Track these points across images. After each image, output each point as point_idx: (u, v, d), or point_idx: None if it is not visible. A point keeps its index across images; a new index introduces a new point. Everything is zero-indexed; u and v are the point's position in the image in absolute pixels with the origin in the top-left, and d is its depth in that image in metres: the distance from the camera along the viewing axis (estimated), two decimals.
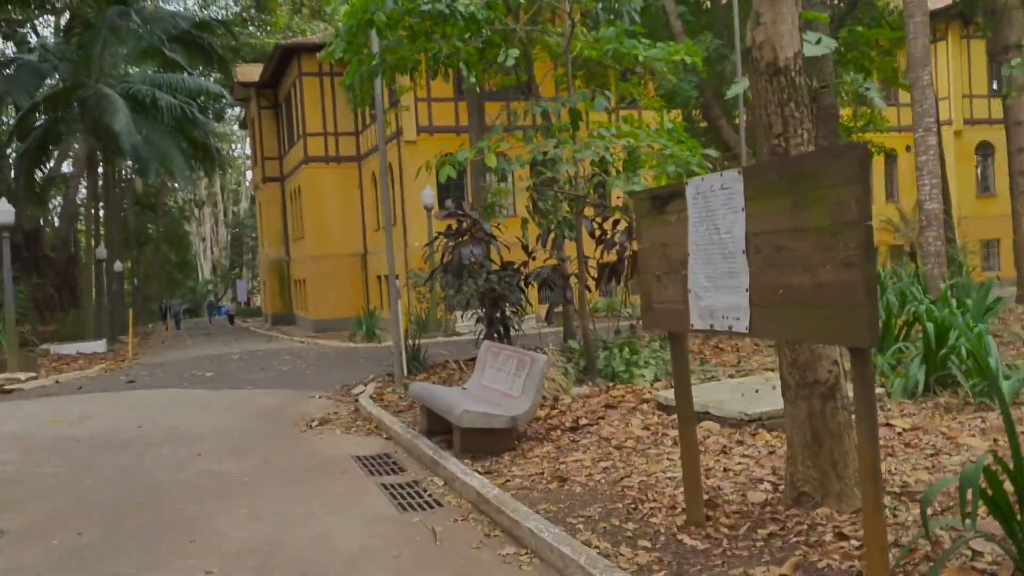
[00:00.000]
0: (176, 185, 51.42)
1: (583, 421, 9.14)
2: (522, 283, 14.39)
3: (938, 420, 8.02)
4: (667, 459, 7.42)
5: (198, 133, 30.35)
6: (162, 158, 28.43)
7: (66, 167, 44.85)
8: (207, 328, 46.01)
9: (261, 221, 47.40)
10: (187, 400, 14.18)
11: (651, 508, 6.11)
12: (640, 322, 14.45)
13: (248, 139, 52.52)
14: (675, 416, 9.28)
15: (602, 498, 6.49)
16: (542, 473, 7.37)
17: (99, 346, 28.74)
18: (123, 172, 47.81)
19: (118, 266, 39.64)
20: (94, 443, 10.79)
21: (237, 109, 56.45)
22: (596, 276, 13.35)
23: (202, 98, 30.97)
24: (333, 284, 37.57)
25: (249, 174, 69.06)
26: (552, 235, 12.96)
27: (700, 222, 5.22)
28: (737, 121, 26.64)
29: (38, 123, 30.50)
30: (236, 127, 59.75)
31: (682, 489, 6.50)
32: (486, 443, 8.34)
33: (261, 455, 9.65)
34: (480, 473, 7.55)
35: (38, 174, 32.25)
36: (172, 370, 19.84)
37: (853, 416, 5.03)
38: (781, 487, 6.28)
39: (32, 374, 19.80)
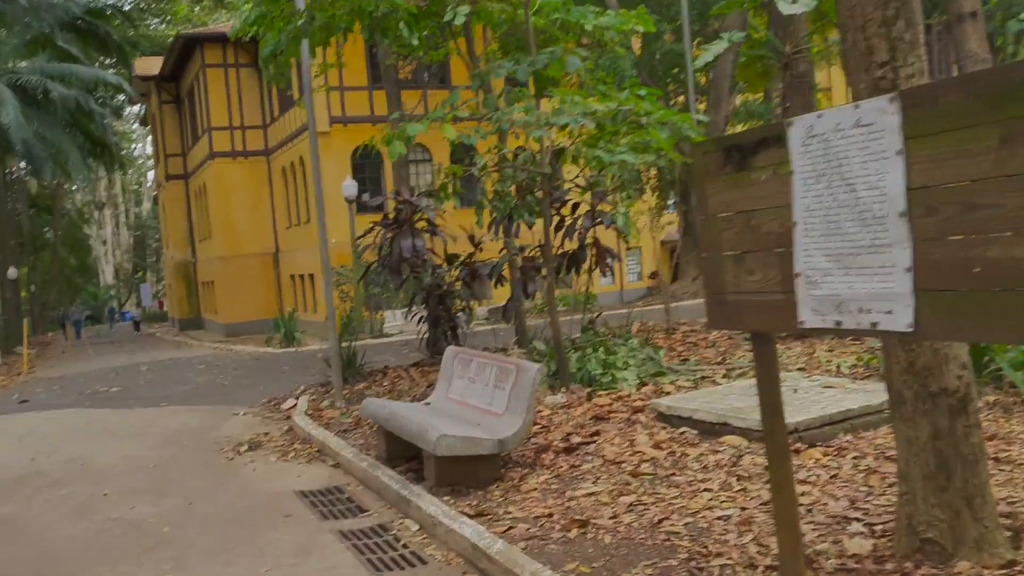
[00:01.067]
0: (74, 185, 48.00)
1: (575, 439, 7.52)
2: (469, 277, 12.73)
3: None
4: (705, 490, 5.85)
5: (95, 127, 27.69)
6: (57, 155, 25.71)
7: None
8: (110, 336, 42.91)
9: (165, 221, 44.50)
10: (90, 423, 12.05)
11: (721, 566, 4.53)
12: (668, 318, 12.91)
13: (149, 136, 49.39)
14: (686, 430, 7.79)
15: (646, 551, 4.88)
16: (550, 514, 5.71)
17: None
18: (14, 172, 44.32)
19: (12, 273, 36.38)
20: None
21: (136, 107, 53.18)
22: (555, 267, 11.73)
23: (99, 91, 28.21)
24: (244, 286, 35.22)
25: (151, 174, 65.44)
26: (509, 222, 11.30)
27: (815, 177, 3.61)
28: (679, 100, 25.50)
29: None
30: (136, 125, 56.31)
31: (748, 534, 4.95)
32: (467, 473, 6.65)
33: (183, 494, 7.76)
34: (470, 516, 5.86)
35: None
36: (72, 386, 17.51)
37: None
38: (879, 528, 4.77)
39: None
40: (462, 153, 32.66)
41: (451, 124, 9.14)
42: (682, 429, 7.50)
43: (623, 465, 6.66)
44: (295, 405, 11.84)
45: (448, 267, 12.96)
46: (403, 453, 7.71)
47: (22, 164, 42.44)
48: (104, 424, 11.86)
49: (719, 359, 10.99)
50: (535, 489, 6.35)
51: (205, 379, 16.30)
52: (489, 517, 5.84)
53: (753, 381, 8.84)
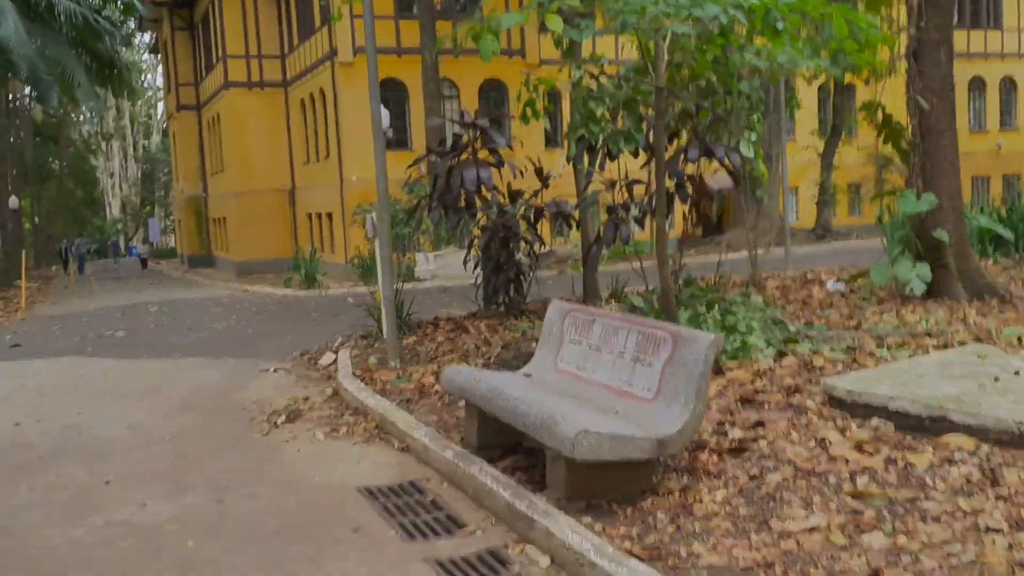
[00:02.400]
0: (82, 110, 45.72)
1: (735, 432, 5.57)
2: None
3: None
4: (989, 529, 3.91)
5: (104, 47, 25.35)
6: (62, 75, 23.46)
7: None
8: (115, 271, 40.93)
9: (175, 154, 42.34)
10: (91, 378, 10.07)
11: None
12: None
13: (159, 67, 46.96)
14: (880, 424, 5.86)
15: None
16: (769, 564, 3.78)
17: None
18: (18, 99, 42.05)
19: (13, 202, 34.40)
20: None
21: (146, 36, 50.62)
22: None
23: (108, 10, 25.87)
24: (257, 223, 33.21)
25: (160, 106, 62.95)
26: (593, 153, 9.25)
27: None
28: None
29: None
30: (146, 55, 53.79)
31: None
32: (610, 483, 4.73)
33: (209, 484, 5.85)
34: (639, 558, 3.93)
35: None
36: (73, 327, 15.57)
37: None
38: None
39: None
40: (496, 94, 30.55)
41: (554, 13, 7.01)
42: (874, 422, 5.55)
43: (827, 477, 4.72)
44: (335, 361, 9.91)
45: (512, 205, 10.94)
46: (498, 440, 5.80)
47: (27, 90, 40.23)
48: (108, 379, 9.91)
49: (850, 321, 9.01)
50: (717, 513, 4.41)
51: (223, 325, 14.33)
52: (671, 562, 3.91)
53: (945, 356, 6.91)
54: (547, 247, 11.93)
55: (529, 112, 8.26)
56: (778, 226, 23.68)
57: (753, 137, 8.10)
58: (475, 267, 11.26)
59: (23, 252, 24.25)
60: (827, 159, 28.35)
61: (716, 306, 8.22)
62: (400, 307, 11.11)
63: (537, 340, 8.18)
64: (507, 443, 5.79)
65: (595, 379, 5.55)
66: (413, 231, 19.91)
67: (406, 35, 28.10)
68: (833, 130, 28.59)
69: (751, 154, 8.11)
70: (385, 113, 20.72)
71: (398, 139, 28.69)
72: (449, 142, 11.52)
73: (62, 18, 22.77)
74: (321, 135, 30.26)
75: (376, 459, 6.30)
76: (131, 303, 19.95)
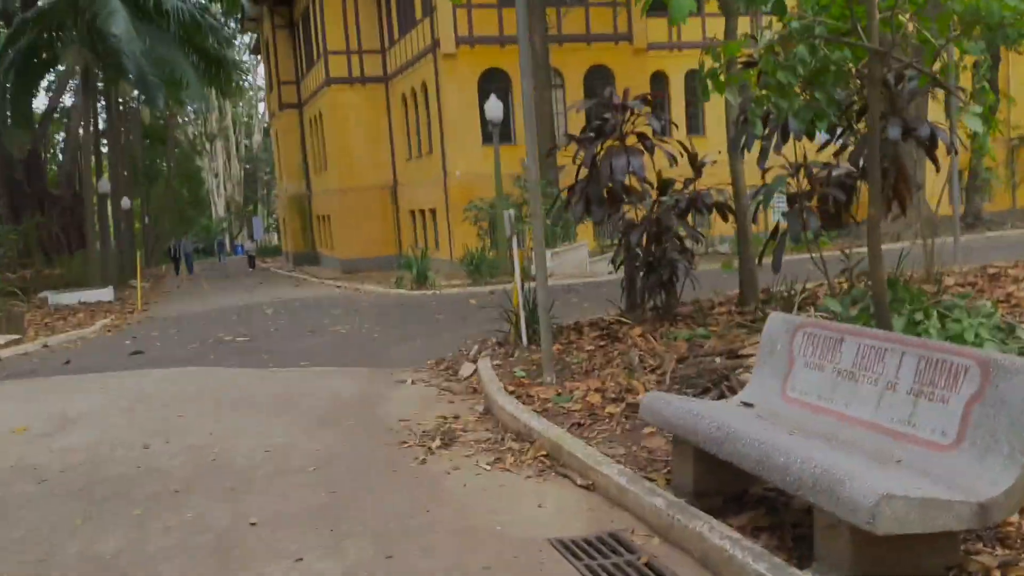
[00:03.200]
0: (187, 114, 46.13)
1: None
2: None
3: None
4: None
5: (211, 44, 25.03)
6: (170, 74, 23.17)
7: (69, 100, 39.68)
8: (223, 269, 41.09)
9: (278, 152, 42.33)
10: (218, 389, 9.29)
11: None
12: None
13: (262, 64, 47.05)
14: None
15: None
16: None
17: (105, 294, 23.92)
18: (128, 102, 42.58)
19: (126, 203, 34.68)
20: (66, 488, 6.02)
21: (247, 37, 50.89)
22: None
23: (215, 5, 25.51)
24: (361, 220, 32.74)
25: (262, 106, 63.49)
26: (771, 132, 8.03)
27: None
28: None
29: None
30: (247, 56, 54.12)
31: None
32: (909, 559, 3.57)
33: (370, 533, 4.88)
34: None
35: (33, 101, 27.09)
36: (191, 329, 15.02)
37: None
38: None
39: (15, 336, 15.04)
40: (602, 81, 29.21)
41: None
42: None
43: None
44: (475, 372, 8.94)
45: (662, 196, 9.78)
46: (717, 486, 4.70)
47: (135, 93, 40.65)
48: (237, 390, 9.12)
49: None
50: None
51: (346, 328, 13.51)
52: None
53: None
54: (702, 243, 10.73)
55: (711, 85, 7.07)
56: (926, 216, 21.83)
57: (976, 110, 6.76)
58: (620, 265, 10.12)
59: (137, 253, 24.04)
60: (977, 140, 26.06)
61: (933, 311, 6.93)
62: (534, 310, 10.07)
63: (718, 354, 7.05)
64: (729, 489, 4.68)
65: (852, 415, 4.38)
66: (553, 225, 18.84)
67: (509, 23, 27.09)
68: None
69: (980, 128, 6.78)
70: (498, 104, 19.76)
71: (503, 133, 27.68)
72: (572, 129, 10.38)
73: (170, 16, 22.44)
74: (423, 130, 29.54)
75: (559, 499, 5.26)
76: (245, 303, 19.44)
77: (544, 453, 6.09)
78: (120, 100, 41.07)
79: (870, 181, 6.53)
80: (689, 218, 9.86)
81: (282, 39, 38.41)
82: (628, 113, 9.34)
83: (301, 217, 39.25)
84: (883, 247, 6.19)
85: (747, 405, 5.05)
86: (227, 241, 58.26)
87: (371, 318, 14.54)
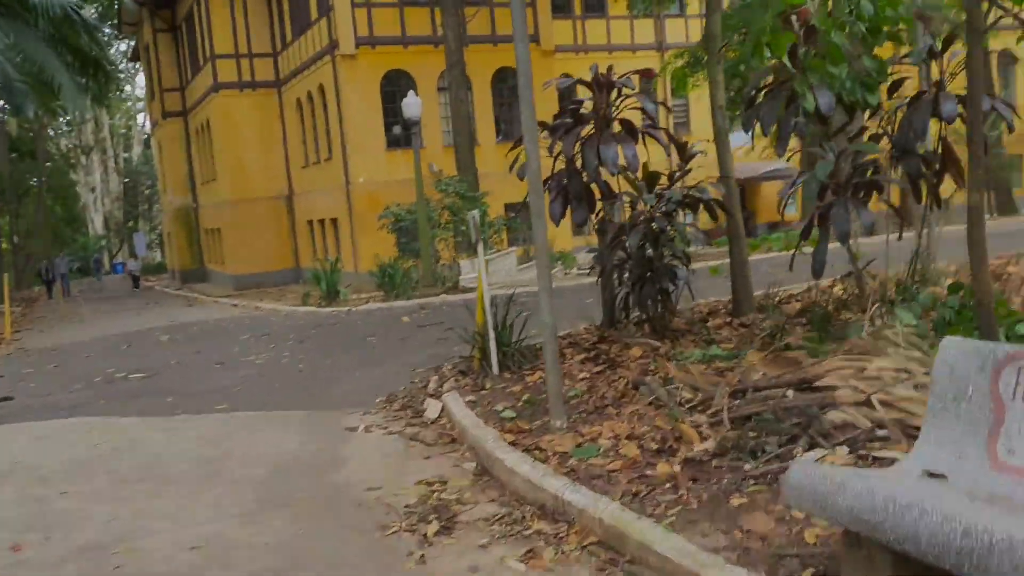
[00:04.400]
0: (60, 122, 42.14)
1: None
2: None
3: None
4: None
5: (86, 43, 22.15)
6: (40, 76, 20.25)
7: None
8: (104, 290, 37.57)
9: (162, 164, 39.07)
10: (114, 450, 7.06)
11: None
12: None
13: (140, 73, 43.60)
14: None
15: None
16: None
17: None
18: None
19: None
20: None
21: (123, 45, 47.28)
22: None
23: (90, 7, 22.61)
24: (254, 232, 30.20)
25: (141, 117, 59.35)
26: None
27: None
28: None
29: None
30: (123, 64, 50.20)
31: None
32: None
33: None
34: None
35: None
36: (72, 364, 12.54)
37: None
38: None
39: None
40: (512, 84, 27.56)
41: None
42: None
43: None
44: (444, 411, 7.09)
45: (648, 191, 8.12)
46: None
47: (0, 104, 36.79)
48: (141, 451, 6.94)
49: None
50: None
51: (261, 357, 11.30)
52: None
53: None
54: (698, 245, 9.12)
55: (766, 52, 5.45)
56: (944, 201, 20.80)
57: None
58: (611, 274, 8.41)
59: (4, 276, 21.01)
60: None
61: None
62: (508, 329, 8.27)
63: (786, 385, 5.40)
64: None
65: None
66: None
67: (412, 23, 25.23)
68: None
69: None
70: (416, 101, 17.84)
71: (406, 136, 25.71)
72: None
73: (38, 9, 19.57)
74: (321, 135, 27.31)
75: None
76: (134, 329, 16.87)
77: (595, 540, 4.31)
78: None
79: (971, 160, 5.01)
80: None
81: (164, 44, 35.33)
82: (615, 93, 7.66)
83: (188, 232, 36.19)
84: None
85: (934, 476, 3.40)
86: (105, 259, 54.00)
87: (288, 344, 12.34)
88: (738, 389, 5.51)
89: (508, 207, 23.57)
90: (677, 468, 4.81)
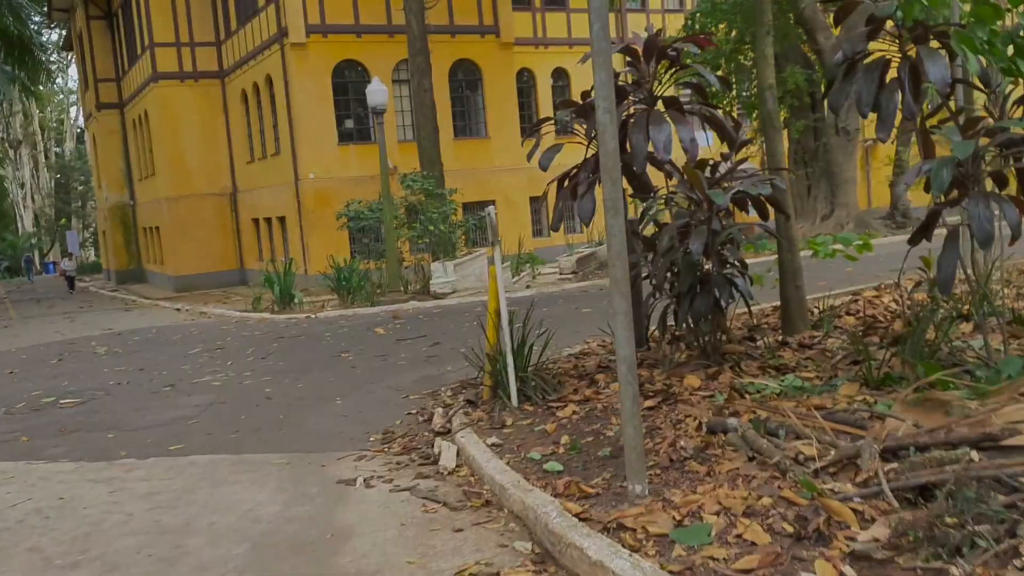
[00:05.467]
0: None
1: None
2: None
3: None
4: None
5: (14, 24, 19.92)
6: None
7: None
8: (34, 291, 34.90)
9: (96, 159, 36.55)
10: (38, 518, 5.29)
11: None
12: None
13: (73, 64, 40.84)
14: None
15: None
16: None
17: None
18: None
19: None
20: None
21: (54, 34, 44.39)
22: None
23: None
24: (195, 231, 28.16)
25: (73, 111, 56.16)
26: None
27: None
28: None
29: None
30: (54, 56, 47.13)
31: None
32: None
33: None
34: None
35: None
36: None
37: None
38: None
39: None
40: (469, 77, 25.94)
41: None
42: None
43: None
44: (461, 457, 5.57)
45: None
46: None
47: None
48: (75, 517, 5.21)
49: None
50: None
51: (220, 378, 9.47)
52: None
53: None
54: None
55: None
56: (856, 214, 19.87)
57: None
58: (662, 282, 6.92)
59: None
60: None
61: None
62: (522, 348, 6.76)
63: (965, 443, 4.00)
64: None
65: None
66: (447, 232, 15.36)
67: (367, 11, 23.52)
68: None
69: None
70: (380, 88, 16.15)
71: (359, 130, 24.10)
72: None
73: None
74: (268, 129, 25.41)
75: None
76: (67, 338, 14.88)
77: None
78: None
79: None
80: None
81: (98, 31, 32.88)
82: (669, 63, 6.20)
83: (124, 230, 33.80)
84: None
85: None
86: (36, 258, 50.80)
87: (248, 360, 10.54)
88: (889, 447, 4.08)
89: (467, 206, 22.07)
90: (847, 570, 3.37)
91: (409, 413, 7.01)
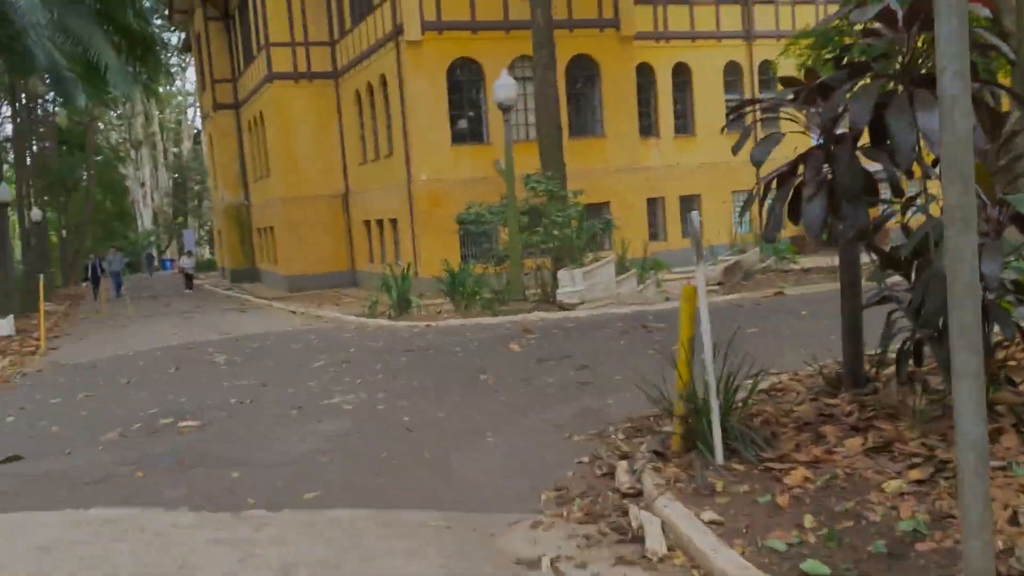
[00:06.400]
0: (111, 113, 39.91)
1: None
2: None
3: None
4: None
5: (135, 20, 19.55)
6: (84, 55, 17.69)
7: None
8: (151, 287, 35.14)
9: (213, 158, 36.66)
10: None
11: None
12: None
13: (191, 65, 41.24)
14: None
15: None
16: None
17: (2, 326, 18.35)
18: (44, 104, 36.48)
19: (36, 214, 28.76)
20: None
21: (174, 37, 44.91)
22: None
23: None
24: (308, 232, 27.62)
25: (191, 112, 57.17)
26: None
27: None
28: None
29: None
30: (173, 59, 47.85)
31: None
32: None
33: None
34: None
35: None
36: (107, 396, 9.79)
37: None
38: None
39: None
40: (586, 73, 24.60)
41: None
42: None
43: None
44: (672, 538, 4.26)
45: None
46: None
47: (50, 96, 34.60)
48: None
49: None
50: None
51: (351, 399, 8.28)
52: None
53: None
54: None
55: None
56: None
57: None
58: (852, 310, 5.51)
59: (42, 276, 18.47)
60: None
61: None
62: (727, 386, 5.42)
63: None
64: None
65: None
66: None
67: (483, 7, 22.36)
68: None
69: None
70: (511, 82, 14.93)
71: (472, 131, 23.03)
72: None
73: None
74: (382, 130, 24.59)
75: None
76: (183, 342, 14.18)
77: None
78: (34, 103, 34.97)
79: None
80: None
81: (216, 32, 32.85)
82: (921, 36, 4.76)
83: (239, 230, 33.71)
84: None
85: None
86: (155, 254, 51.78)
87: (378, 378, 9.34)
88: None
89: (590, 207, 20.71)
90: None
91: (580, 461, 5.75)
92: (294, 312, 18.80)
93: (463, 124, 23.04)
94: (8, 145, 34.66)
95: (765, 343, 7.64)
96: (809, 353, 7.33)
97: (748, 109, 5.66)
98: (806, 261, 19.56)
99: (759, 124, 5.66)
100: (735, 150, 5.55)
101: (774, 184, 5.62)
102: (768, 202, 5.63)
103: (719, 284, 14.92)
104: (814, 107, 5.37)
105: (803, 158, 5.33)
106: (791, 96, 5.33)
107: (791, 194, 5.45)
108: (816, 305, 11.88)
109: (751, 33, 26.42)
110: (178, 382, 10.26)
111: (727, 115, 5.84)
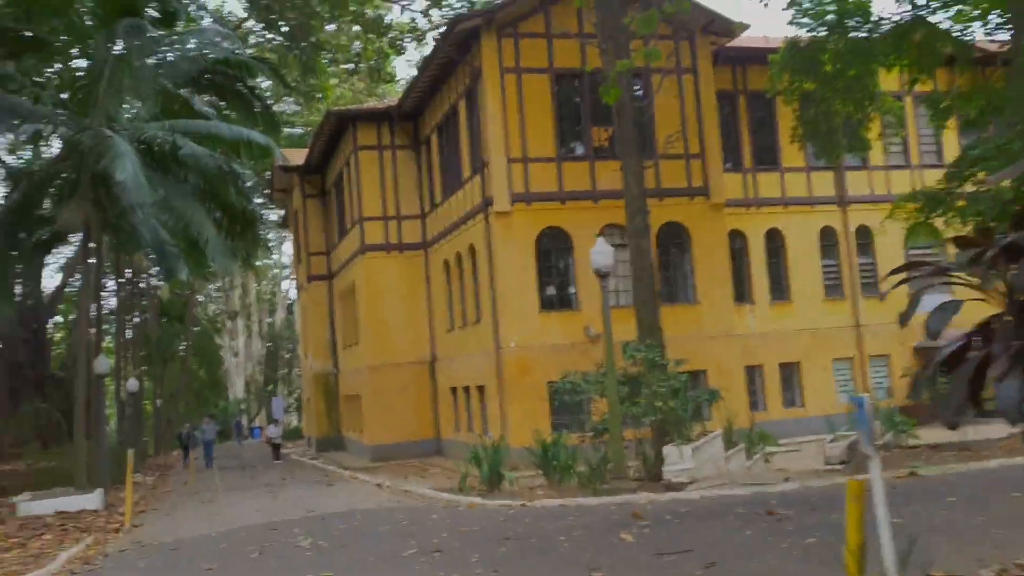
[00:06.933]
0: (210, 286, 41.26)
1: None
2: None
3: None
4: None
5: (236, 198, 20.19)
6: (186, 231, 18.21)
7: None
8: (240, 456, 34.94)
9: (304, 327, 37.25)
10: None
11: None
12: None
13: (290, 238, 42.74)
14: None
15: None
16: None
17: (91, 499, 18.04)
18: (147, 278, 37.97)
19: (132, 385, 29.16)
20: None
21: (273, 215, 46.94)
22: None
23: (243, 157, 20.82)
24: (394, 399, 27.24)
25: (285, 283, 59.02)
26: None
27: None
28: None
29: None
30: (272, 235, 49.86)
31: None
32: None
33: None
34: None
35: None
36: None
37: None
38: None
39: None
40: (678, 241, 24.27)
41: None
42: None
43: None
44: None
45: None
46: None
47: (153, 269, 36.09)
48: None
49: None
50: None
51: None
52: None
53: None
54: None
55: None
56: None
57: None
58: None
59: (131, 451, 18.28)
60: None
61: None
62: None
63: None
64: None
65: None
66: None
67: (570, 178, 22.51)
68: None
69: None
70: (608, 249, 14.50)
71: (560, 298, 22.72)
72: None
73: (189, 163, 17.68)
74: (469, 297, 24.49)
75: None
76: (269, 521, 13.46)
77: None
78: (138, 277, 36.49)
79: None
80: None
81: (312, 209, 34.16)
82: None
83: (327, 397, 33.63)
84: None
85: None
86: (244, 422, 52.17)
87: (474, 570, 8.34)
88: None
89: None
90: None
91: None
92: (379, 485, 18.01)
93: (551, 291, 22.80)
94: (111, 317, 35.89)
95: (922, 539, 6.53)
96: (975, 552, 6.21)
97: (914, 274, 4.92)
98: (924, 434, 17.98)
99: (925, 289, 4.86)
100: (903, 320, 4.76)
101: (946, 357, 4.77)
102: (939, 377, 4.77)
103: (842, 463, 13.65)
104: (995, 269, 4.59)
105: (987, 331, 4.50)
106: (970, 258, 4.58)
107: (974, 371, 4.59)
108: (961, 490, 10.55)
109: (845, 199, 25.92)
110: (261, 570, 9.45)
111: (881, 279, 5.10)
